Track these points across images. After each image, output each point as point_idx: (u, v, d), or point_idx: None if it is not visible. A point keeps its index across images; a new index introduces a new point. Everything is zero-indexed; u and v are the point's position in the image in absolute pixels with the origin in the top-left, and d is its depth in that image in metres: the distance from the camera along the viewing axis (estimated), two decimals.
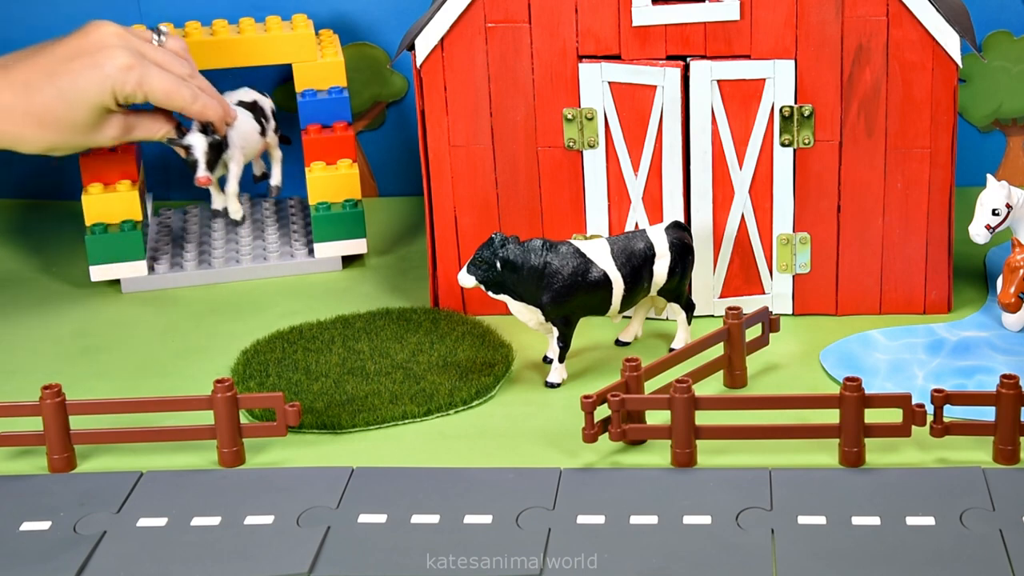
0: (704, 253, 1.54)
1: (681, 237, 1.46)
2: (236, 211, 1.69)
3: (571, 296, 1.42)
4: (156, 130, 1.59)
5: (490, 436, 1.38)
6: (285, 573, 1.19)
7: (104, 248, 1.66)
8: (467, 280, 1.41)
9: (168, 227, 1.80)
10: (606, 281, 1.43)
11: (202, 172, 1.61)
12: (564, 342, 1.44)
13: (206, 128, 1.61)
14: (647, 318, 1.54)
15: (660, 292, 1.47)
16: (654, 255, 1.45)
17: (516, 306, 1.43)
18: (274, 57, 1.70)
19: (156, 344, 1.57)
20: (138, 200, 1.68)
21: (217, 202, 1.71)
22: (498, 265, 1.40)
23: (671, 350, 1.48)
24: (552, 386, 1.45)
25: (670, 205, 1.52)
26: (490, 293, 1.42)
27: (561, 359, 1.45)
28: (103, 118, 1.54)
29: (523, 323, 1.45)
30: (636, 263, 1.44)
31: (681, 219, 1.50)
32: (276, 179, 1.73)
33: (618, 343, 1.52)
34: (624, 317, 1.51)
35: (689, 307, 1.49)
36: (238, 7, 1.80)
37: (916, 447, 1.32)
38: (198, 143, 1.61)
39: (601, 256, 1.43)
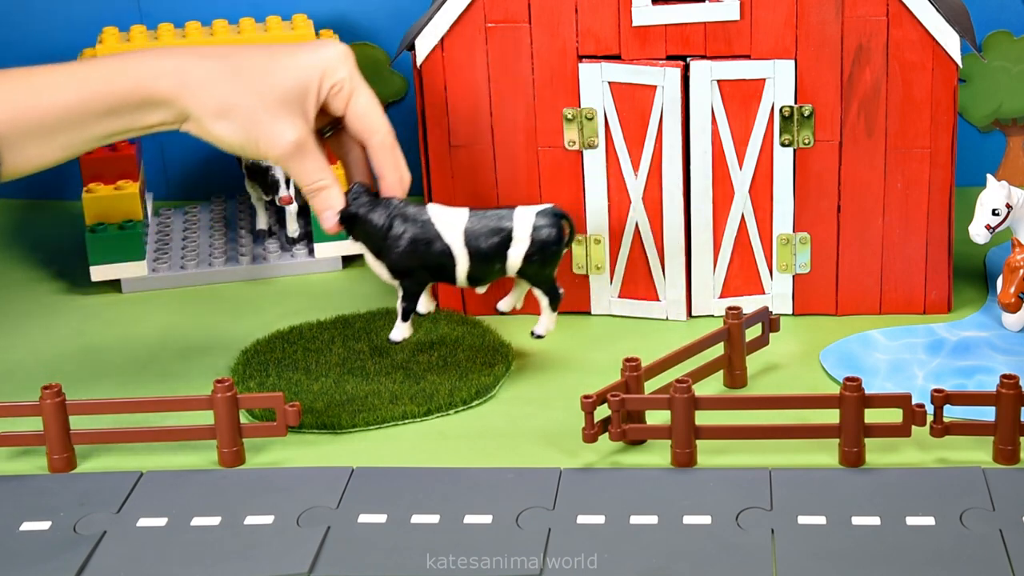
0: (704, 253, 1.54)
1: (552, 224, 1.41)
2: (295, 230, 1.72)
3: (410, 262, 1.41)
4: (321, 175, 1.39)
5: (490, 436, 1.38)
6: (285, 573, 1.19)
7: (104, 248, 1.65)
8: (331, 220, 1.39)
9: (168, 227, 1.80)
10: (448, 255, 1.41)
11: (284, 191, 1.66)
12: (407, 302, 1.43)
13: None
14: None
15: (519, 275, 1.43)
16: (511, 239, 1.41)
17: (369, 257, 1.42)
18: None
19: (156, 344, 1.57)
20: (138, 200, 1.68)
21: (261, 221, 1.74)
22: (344, 217, 1.39)
23: (533, 334, 1.47)
24: (393, 343, 1.45)
25: (670, 205, 1.52)
26: (352, 239, 1.41)
27: (405, 318, 1.44)
28: (295, 110, 1.37)
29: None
30: (489, 243, 1.40)
31: (559, 208, 1.43)
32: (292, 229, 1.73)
33: (497, 311, 1.50)
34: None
35: (553, 294, 1.45)
36: (238, 7, 1.80)
37: (916, 447, 1.32)
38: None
39: (451, 229, 1.40)
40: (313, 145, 1.38)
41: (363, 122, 1.40)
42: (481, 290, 1.45)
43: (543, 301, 1.45)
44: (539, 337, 1.47)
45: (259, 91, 1.35)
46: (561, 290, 1.45)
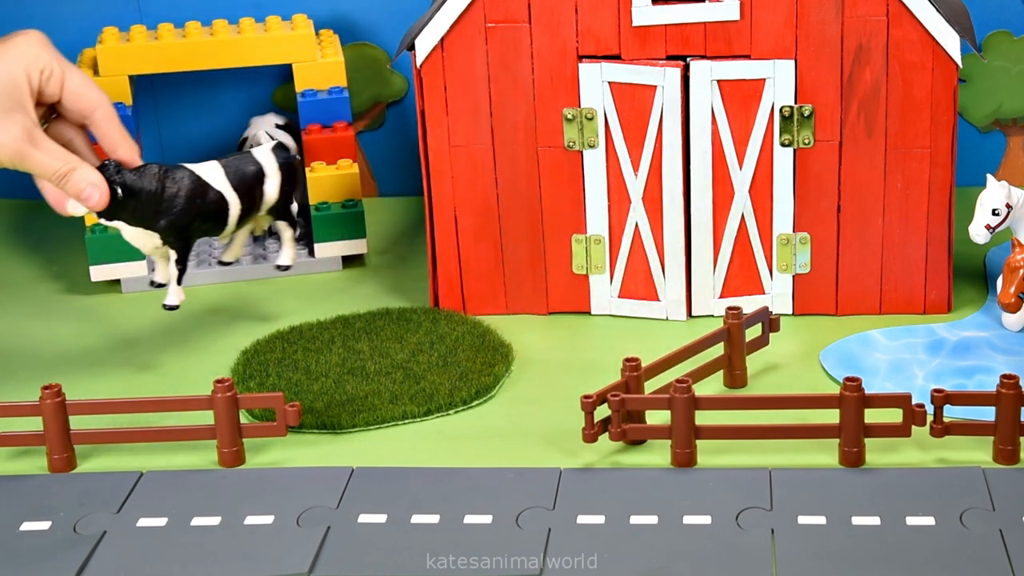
0: (704, 253, 1.54)
1: (287, 158, 1.51)
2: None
3: (189, 218, 1.44)
4: (61, 162, 1.36)
5: (490, 436, 1.38)
6: (285, 573, 1.19)
7: (104, 248, 1.66)
8: (77, 208, 1.39)
9: None
10: (223, 201, 1.46)
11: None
12: (183, 264, 1.47)
13: (284, 148, 1.63)
14: None
15: (269, 211, 1.51)
16: (264, 175, 1.49)
17: (131, 232, 1.44)
18: (274, 57, 1.70)
19: (156, 344, 1.57)
20: None
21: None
22: (119, 192, 1.39)
23: (279, 266, 1.56)
24: (172, 308, 1.49)
25: (670, 205, 1.52)
26: (103, 220, 1.41)
27: (180, 280, 1.48)
28: (11, 109, 1.33)
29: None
30: (250, 183, 1.48)
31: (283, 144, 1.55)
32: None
33: (221, 263, 1.58)
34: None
35: (295, 224, 1.54)
36: (238, 7, 1.80)
37: (916, 447, 1.32)
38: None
39: (217, 178, 1.46)
40: (42, 135, 1.35)
41: (83, 99, 1.38)
42: (227, 240, 1.54)
43: (287, 233, 1.55)
44: (286, 268, 1.56)
45: None
46: (300, 220, 1.56)
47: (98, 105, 1.39)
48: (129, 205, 1.40)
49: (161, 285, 1.50)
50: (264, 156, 1.50)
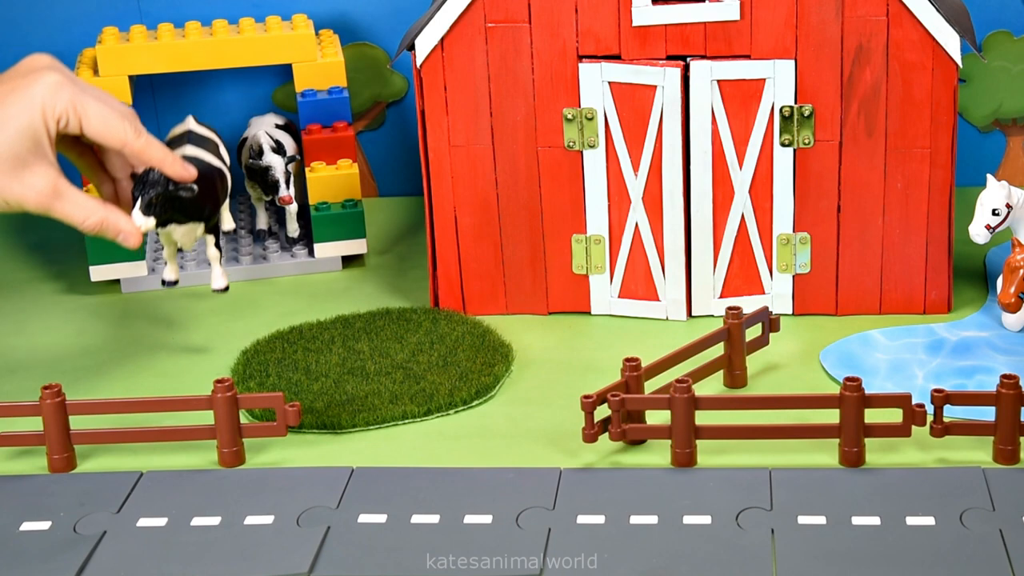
0: (704, 253, 1.54)
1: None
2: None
3: (220, 202, 1.50)
4: (87, 212, 1.37)
5: (490, 436, 1.38)
6: (285, 573, 1.19)
7: (104, 248, 1.66)
8: (147, 222, 1.39)
9: None
10: (225, 179, 1.52)
11: (284, 192, 1.67)
12: (219, 246, 1.52)
13: (281, 148, 1.65)
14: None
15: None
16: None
17: (181, 231, 1.46)
18: (274, 57, 1.70)
19: (156, 344, 1.57)
20: None
21: (261, 221, 1.75)
22: (187, 194, 1.40)
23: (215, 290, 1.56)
24: (223, 290, 1.53)
25: (670, 205, 1.52)
26: (158, 230, 1.44)
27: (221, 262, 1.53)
28: (31, 161, 1.34)
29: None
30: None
31: None
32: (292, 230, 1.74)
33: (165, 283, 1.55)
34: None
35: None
36: (238, 7, 1.80)
37: (916, 447, 1.32)
38: (277, 164, 1.66)
39: (215, 160, 1.51)
40: (66, 184, 1.36)
41: (105, 140, 1.37)
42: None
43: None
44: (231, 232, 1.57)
45: None
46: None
47: (124, 141, 1.37)
48: (192, 205, 1.43)
49: (173, 283, 1.52)
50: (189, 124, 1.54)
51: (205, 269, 1.70)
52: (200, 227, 1.48)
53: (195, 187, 1.40)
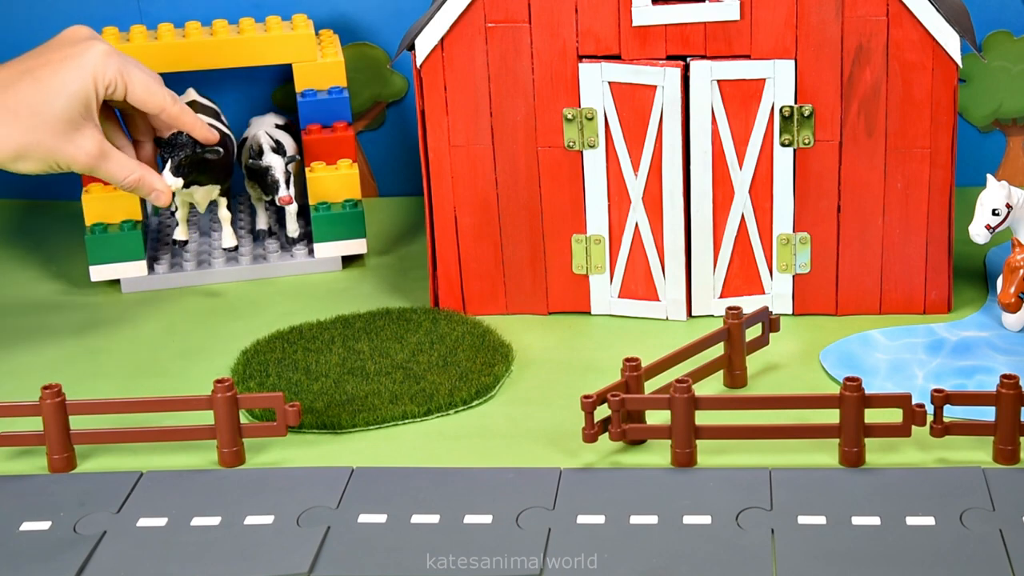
0: (704, 253, 1.54)
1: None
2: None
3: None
4: (128, 170, 1.49)
5: (490, 436, 1.38)
6: (285, 573, 1.20)
7: (104, 248, 1.66)
8: (176, 182, 1.54)
9: (168, 227, 1.80)
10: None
11: (283, 192, 1.67)
12: (231, 207, 1.67)
13: (281, 148, 1.66)
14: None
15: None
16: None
17: (201, 191, 1.62)
18: (274, 57, 1.70)
19: (156, 344, 1.57)
20: (138, 200, 1.68)
21: (261, 221, 1.76)
22: (213, 155, 1.56)
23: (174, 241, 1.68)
24: (232, 250, 1.68)
25: (670, 205, 1.52)
26: (182, 188, 1.57)
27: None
28: (82, 124, 1.45)
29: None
30: None
31: None
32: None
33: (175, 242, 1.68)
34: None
35: None
36: (238, 7, 1.80)
37: (916, 447, 1.32)
38: (277, 164, 1.66)
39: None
40: (109, 146, 1.48)
41: (146, 105, 1.50)
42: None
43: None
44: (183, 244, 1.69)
45: (43, 124, 1.44)
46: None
47: (162, 106, 1.51)
48: (215, 167, 1.58)
49: (184, 243, 1.66)
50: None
51: (205, 269, 1.70)
52: (217, 189, 1.62)
53: (220, 149, 1.55)
